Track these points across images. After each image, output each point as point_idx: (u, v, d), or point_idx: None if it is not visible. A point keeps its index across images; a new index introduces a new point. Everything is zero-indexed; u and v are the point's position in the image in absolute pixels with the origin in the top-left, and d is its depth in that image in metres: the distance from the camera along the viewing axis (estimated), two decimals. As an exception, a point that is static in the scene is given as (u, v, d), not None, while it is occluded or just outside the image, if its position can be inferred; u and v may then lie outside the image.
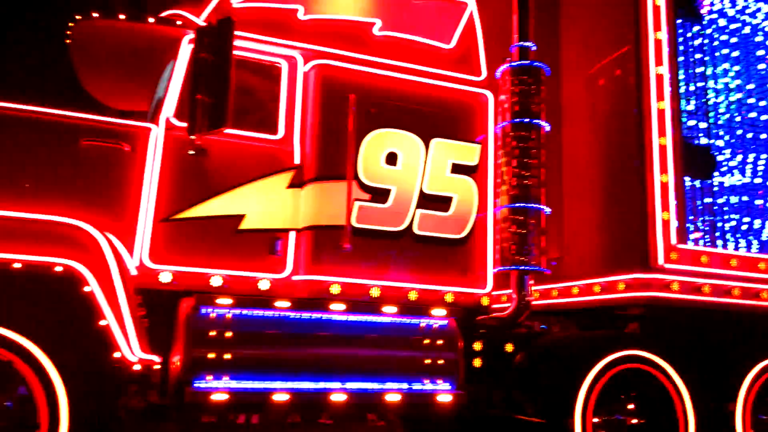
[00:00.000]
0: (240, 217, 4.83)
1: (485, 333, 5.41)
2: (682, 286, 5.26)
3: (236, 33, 4.77)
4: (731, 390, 5.30)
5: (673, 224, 5.31)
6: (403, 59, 5.47)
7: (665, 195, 5.33)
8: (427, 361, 4.80)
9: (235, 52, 4.77)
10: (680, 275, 5.27)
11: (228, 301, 4.51)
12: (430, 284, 5.12)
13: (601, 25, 6.12)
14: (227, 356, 4.32)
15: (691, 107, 5.91)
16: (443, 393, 4.74)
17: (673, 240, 5.28)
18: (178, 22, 5.05)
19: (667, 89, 5.51)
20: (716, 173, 5.82)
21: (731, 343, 5.57)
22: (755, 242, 5.97)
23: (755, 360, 5.39)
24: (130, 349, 4.06)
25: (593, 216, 5.96)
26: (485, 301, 5.27)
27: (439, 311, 5.01)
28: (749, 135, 6.22)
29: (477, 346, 5.36)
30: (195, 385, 4.26)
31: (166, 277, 4.59)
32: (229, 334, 4.39)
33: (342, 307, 4.75)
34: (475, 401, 5.24)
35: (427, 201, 5.22)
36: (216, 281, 4.66)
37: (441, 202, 5.27)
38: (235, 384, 4.30)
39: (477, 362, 5.34)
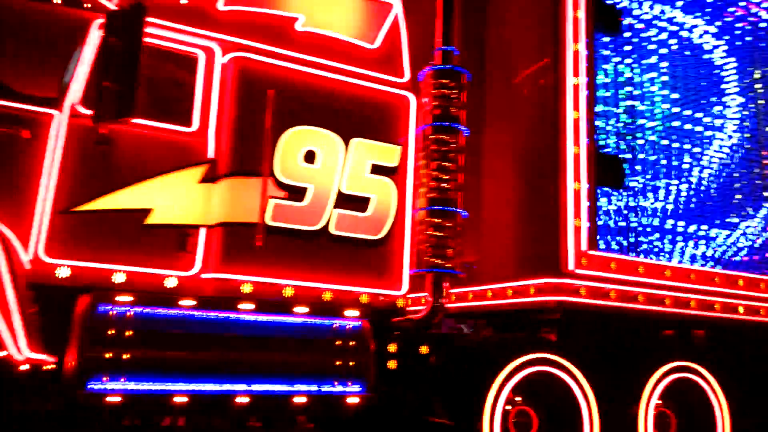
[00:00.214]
0: (147, 212, 4.63)
1: (401, 335, 5.41)
2: (591, 291, 5.40)
3: (150, 20, 4.63)
4: (635, 393, 5.47)
5: (584, 231, 5.45)
6: (326, 56, 5.40)
7: (577, 202, 5.47)
8: (338, 362, 4.73)
9: (148, 40, 4.65)
10: (589, 281, 5.42)
11: (128, 298, 4.31)
12: (345, 285, 5.06)
13: (525, 34, 6.24)
14: (125, 356, 4.12)
15: (612, 126, 6.09)
16: (353, 395, 4.69)
17: (584, 246, 5.42)
18: (87, 5, 4.82)
19: (583, 100, 5.66)
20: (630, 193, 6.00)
21: (637, 348, 5.77)
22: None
23: (658, 364, 5.58)
24: (17, 348, 3.82)
25: (510, 221, 6.05)
26: (401, 303, 5.26)
27: (351, 312, 4.96)
28: (663, 161, 6.41)
29: (392, 347, 5.36)
30: (89, 386, 4.04)
31: (63, 272, 4.34)
32: (128, 333, 4.19)
33: (250, 306, 4.63)
34: (390, 403, 5.24)
35: (344, 201, 5.17)
36: (119, 277, 4.44)
37: (359, 203, 5.23)
38: (132, 386, 4.11)
39: (392, 364, 5.33)
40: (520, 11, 6.33)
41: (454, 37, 6.13)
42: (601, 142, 5.96)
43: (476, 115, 6.66)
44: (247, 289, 4.67)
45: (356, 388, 4.73)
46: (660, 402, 5.61)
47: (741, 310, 6.08)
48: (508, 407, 5.03)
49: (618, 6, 6.15)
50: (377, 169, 5.35)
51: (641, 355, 5.68)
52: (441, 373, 5.23)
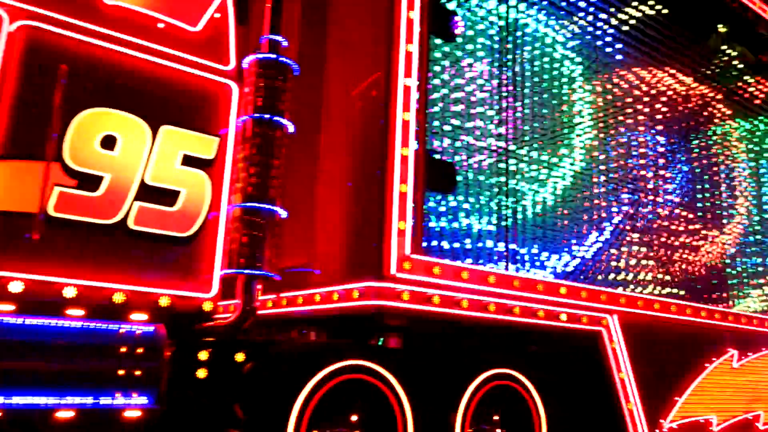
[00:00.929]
0: None
1: (214, 342, 5.00)
2: (413, 296, 5.26)
3: None
4: (454, 401, 5.38)
5: (409, 234, 5.32)
6: (138, 35, 4.92)
7: (403, 205, 5.32)
8: (121, 372, 4.24)
9: None
10: (412, 285, 5.28)
11: None
12: (142, 286, 4.57)
13: (361, 33, 6.08)
14: None
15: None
16: (135, 408, 4.21)
17: (408, 250, 5.28)
18: None
19: (414, 101, 5.55)
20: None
21: (457, 355, 5.72)
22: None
23: (477, 371, 5.54)
24: None
25: (342, 224, 5.85)
26: (208, 307, 4.84)
27: (140, 316, 4.48)
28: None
29: (203, 355, 4.93)
30: None
31: None
32: None
33: (9, 307, 4.04)
34: (191, 416, 4.80)
35: (148, 193, 4.70)
36: None
37: (166, 196, 4.78)
38: None
39: (202, 373, 4.91)
40: (357, 10, 6.17)
41: (292, 27, 5.90)
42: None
43: (316, 115, 6.47)
44: (15, 288, 4.06)
45: (142, 400, 4.26)
46: (480, 410, 5.57)
47: (564, 317, 6.21)
48: (317, 418, 4.75)
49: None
50: (190, 161, 4.93)
51: (462, 362, 5.63)
52: (250, 382, 4.86)
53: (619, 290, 6.90)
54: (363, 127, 5.86)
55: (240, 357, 5.08)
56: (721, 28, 9.20)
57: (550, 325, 6.12)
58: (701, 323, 7.68)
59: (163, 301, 4.61)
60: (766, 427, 8.44)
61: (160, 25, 5.05)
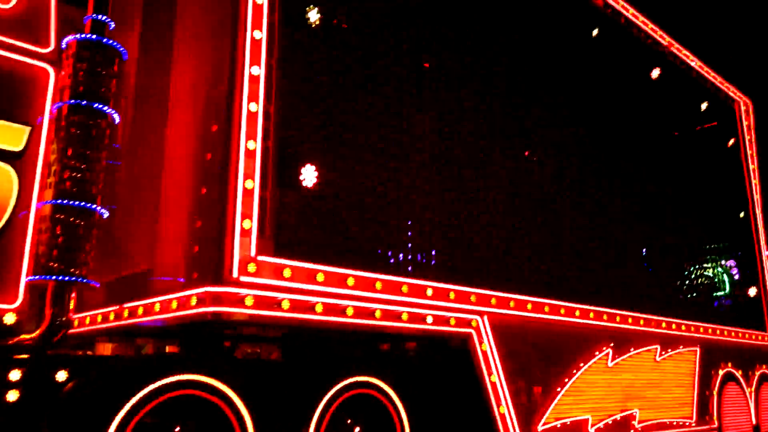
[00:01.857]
0: None
1: (27, 359, 4.36)
2: (259, 300, 4.84)
3: None
4: (306, 413, 4.99)
5: (255, 234, 4.90)
6: (-73, 8, 4.30)
7: (248, 202, 4.90)
8: None
9: None
10: (258, 289, 4.85)
11: None
12: None
13: (208, 21, 5.65)
14: None
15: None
16: None
17: (254, 251, 4.86)
18: None
19: (261, 91, 5.16)
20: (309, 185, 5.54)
21: (312, 363, 5.34)
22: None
23: (333, 380, 5.18)
24: None
25: (186, 226, 5.34)
26: (10, 319, 4.22)
27: None
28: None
29: (15, 375, 4.29)
30: None
31: None
32: None
33: None
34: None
35: (-65, 189, 4.07)
36: None
37: (-41, 192, 4.16)
38: None
39: (12, 395, 4.27)
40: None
41: (135, 12, 5.38)
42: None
43: (163, 108, 5.96)
44: None
45: None
46: (336, 423, 5.20)
47: (429, 320, 5.96)
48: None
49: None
50: (-7, 153, 4.33)
51: (315, 371, 5.25)
52: (65, 403, 4.26)
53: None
54: (210, 120, 5.40)
55: (61, 376, 4.47)
56: None
57: (415, 328, 5.84)
58: (575, 323, 7.69)
59: (-50, 314, 3.97)
60: (642, 425, 8.56)
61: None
